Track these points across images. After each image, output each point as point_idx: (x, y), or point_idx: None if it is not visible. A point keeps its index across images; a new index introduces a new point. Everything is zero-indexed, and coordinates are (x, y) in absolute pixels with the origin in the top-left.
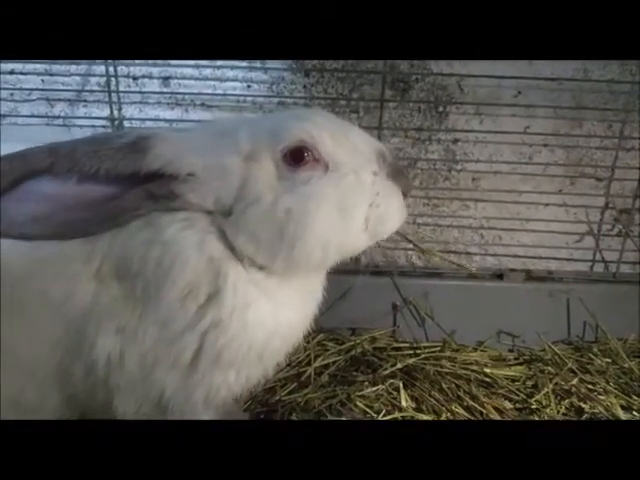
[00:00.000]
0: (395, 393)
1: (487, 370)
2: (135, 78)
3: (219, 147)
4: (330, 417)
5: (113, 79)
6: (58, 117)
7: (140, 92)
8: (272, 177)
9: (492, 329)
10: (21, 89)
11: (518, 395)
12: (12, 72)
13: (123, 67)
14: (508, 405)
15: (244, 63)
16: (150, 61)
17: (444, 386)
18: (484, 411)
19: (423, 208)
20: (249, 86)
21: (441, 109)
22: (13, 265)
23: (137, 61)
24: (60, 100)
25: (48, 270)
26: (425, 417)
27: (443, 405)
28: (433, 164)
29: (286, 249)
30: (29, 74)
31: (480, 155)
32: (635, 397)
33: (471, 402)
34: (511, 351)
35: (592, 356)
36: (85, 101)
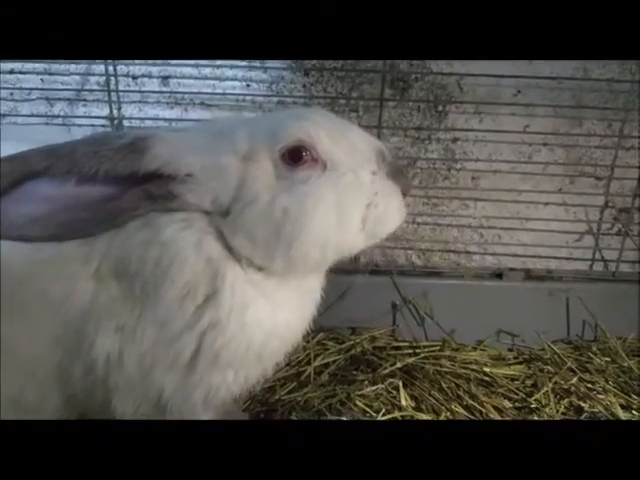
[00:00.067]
0: (395, 392)
1: (486, 369)
2: (134, 77)
3: (217, 147)
4: (330, 416)
5: (113, 78)
6: (58, 116)
7: (139, 91)
8: (270, 177)
9: (491, 328)
10: (21, 88)
11: (517, 394)
12: (12, 71)
13: (122, 66)
14: (508, 404)
15: (243, 62)
16: (149, 60)
17: (444, 385)
18: (484, 410)
19: (422, 207)
20: (248, 85)
21: (440, 108)
22: (13, 266)
23: (136, 60)
24: (60, 99)
25: (47, 271)
26: (425, 416)
27: (443, 404)
28: (432, 163)
29: (283, 249)
30: (29, 73)
31: (480, 154)
32: (634, 396)
33: (471, 401)
34: (510, 350)
35: (591, 355)
36: (85, 100)
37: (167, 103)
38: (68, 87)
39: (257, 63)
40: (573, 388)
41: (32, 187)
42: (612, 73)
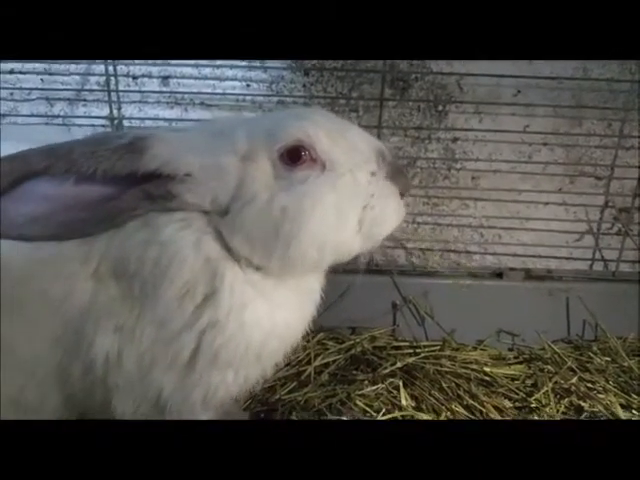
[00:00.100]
0: (395, 392)
1: (487, 369)
2: (135, 77)
3: (216, 147)
4: (330, 416)
5: (113, 78)
6: (58, 116)
7: (140, 91)
8: (269, 177)
9: (492, 328)
10: (21, 88)
11: (518, 394)
12: (12, 71)
13: (122, 66)
14: (508, 404)
15: (243, 62)
16: (149, 60)
17: (444, 385)
18: (484, 410)
19: (423, 207)
20: (248, 85)
21: (440, 108)
22: (13, 265)
23: (136, 60)
24: (60, 99)
25: (47, 270)
26: (425, 416)
27: (443, 404)
28: (432, 163)
29: (281, 248)
30: (29, 73)
31: (480, 154)
32: (634, 396)
33: (471, 401)
34: (511, 350)
35: (592, 355)
36: (85, 100)
37: (167, 103)
38: (68, 87)
39: (257, 63)
40: (573, 388)
41: (32, 186)
42: (612, 73)
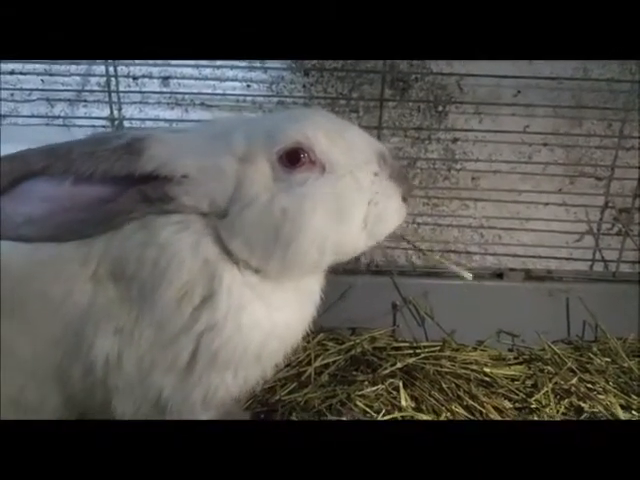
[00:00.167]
0: (395, 393)
1: (487, 370)
2: (135, 78)
3: (214, 149)
4: (330, 417)
5: (113, 79)
6: (58, 117)
7: (140, 92)
8: (268, 179)
9: (492, 328)
10: (21, 89)
11: (518, 394)
12: (12, 72)
13: (123, 67)
14: (508, 405)
15: (244, 63)
16: (150, 61)
17: (444, 386)
18: (484, 411)
19: (423, 207)
20: (249, 86)
21: (441, 108)
22: (13, 266)
23: (137, 61)
24: (60, 100)
25: (47, 271)
26: (425, 417)
27: (443, 405)
28: (433, 163)
29: (281, 250)
30: (29, 74)
31: (480, 154)
32: (634, 396)
33: (471, 402)
34: (511, 350)
35: (592, 355)
36: (85, 101)
37: (167, 104)
38: (69, 88)
39: (257, 64)
40: (573, 388)
41: (31, 187)
42: (612, 73)
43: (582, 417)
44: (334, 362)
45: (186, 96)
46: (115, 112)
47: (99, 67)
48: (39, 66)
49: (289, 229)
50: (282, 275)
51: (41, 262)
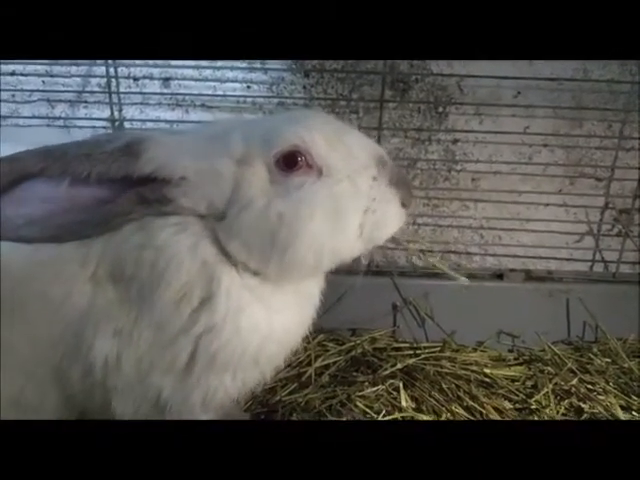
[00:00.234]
0: (395, 393)
1: (487, 370)
2: (135, 79)
3: (212, 151)
4: (330, 417)
5: (113, 80)
6: (59, 118)
7: (140, 93)
8: (265, 182)
9: (492, 329)
10: (22, 90)
11: (518, 395)
12: (13, 73)
13: (123, 68)
14: (508, 405)
15: (244, 64)
16: (150, 62)
17: (444, 386)
18: (484, 411)
19: (423, 208)
20: (249, 87)
21: (441, 109)
22: (13, 267)
23: (137, 62)
24: (61, 101)
25: (46, 272)
26: (425, 417)
27: (443, 405)
28: (433, 164)
29: (278, 254)
30: (30, 75)
31: (480, 155)
32: (634, 397)
33: (471, 402)
34: (511, 351)
35: (592, 356)
36: (86, 102)
37: (168, 105)
38: (69, 89)
39: (257, 64)
40: (573, 389)
41: (30, 188)
42: (612, 74)
43: (582, 418)
44: (334, 363)
45: (186, 97)
46: (116, 113)
47: (100, 68)
48: (40, 67)
49: (285, 234)
50: (281, 278)
51: (40, 263)
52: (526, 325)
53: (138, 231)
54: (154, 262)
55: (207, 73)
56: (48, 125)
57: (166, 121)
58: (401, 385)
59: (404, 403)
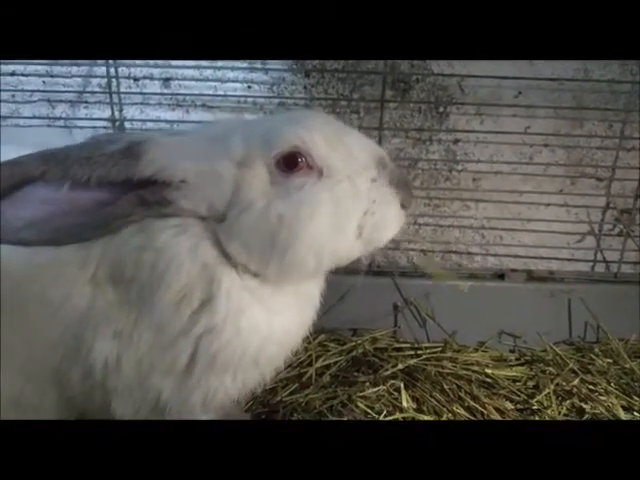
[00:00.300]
0: (396, 394)
1: (488, 371)
2: (136, 79)
3: (212, 153)
4: (331, 418)
5: (114, 80)
6: (59, 118)
7: (141, 93)
8: (265, 183)
9: (493, 329)
10: (22, 90)
11: (519, 396)
12: (13, 74)
13: (124, 68)
14: (509, 406)
15: (245, 64)
16: (151, 62)
17: (445, 387)
18: (485, 412)
19: (424, 208)
20: (250, 87)
21: (442, 109)
22: (13, 269)
23: (138, 62)
24: (61, 101)
25: (46, 274)
26: (426, 418)
27: (444, 406)
28: (434, 164)
29: (278, 256)
30: (30, 75)
31: (481, 155)
32: (636, 397)
33: (472, 403)
34: (512, 351)
35: (593, 356)
36: (86, 102)
37: (168, 105)
38: (70, 89)
39: (258, 65)
40: (575, 389)
41: (30, 191)
42: (613, 74)
43: (584, 418)
44: (335, 363)
45: (187, 97)
46: (116, 113)
47: (100, 68)
48: (40, 67)
49: (285, 235)
50: (281, 279)
51: (40, 265)
52: (527, 325)
53: (138, 233)
54: (154, 264)
55: (208, 73)
56: (49, 125)
57: (167, 121)
58: (402, 385)
59: (405, 403)
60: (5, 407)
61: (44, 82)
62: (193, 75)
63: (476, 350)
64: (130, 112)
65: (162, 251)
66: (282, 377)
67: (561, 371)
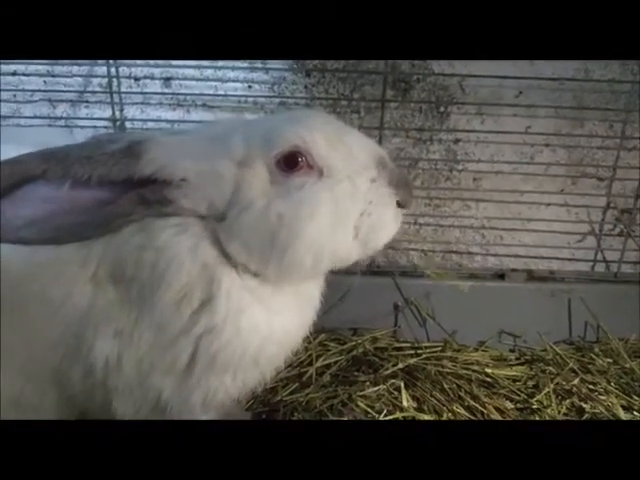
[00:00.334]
0: (396, 393)
1: (488, 370)
2: (137, 79)
3: (212, 152)
4: (331, 417)
5: (115, 80)
6: (60, 118)
7: (142, 93)
8: (265, 183)
9: (493, 329)
10: (23, 90)
11: (519, 395)
12: (14, 73)
13: (125, 68)
14: (509, 405)
15: (245, 64)
16: (151, 62)
17: (445, 386)
18: (485, 411)
19: (424, 208)
20: (250, 87)
21: (442, 109)
22: (13, 268)
23: (138, 62)
24: (62, 101)
25: (46, 273)
26: (426, 417)
27: (444, 405)
28: (434, 164)
29: (278, 256)
30: (31, 75)
31: (481, 155)
32: (636, 397)
33: (472, 402)
34: (512, 351)
35: (593, 356)
36: (87, 102)
37: (169, 105)
38: (70, 89)
39: (259, 64)
40: (575, 389)
41: (30, 190)
42: (613, 74)
43: (583, 418)
44: (336, 362)
45: (188, 97)
46: (117, 113)
47: (101, 68)
48: (41, 67)
49: (285, 235)
50: (280, 279)
51: (41, 264)
52: (528, 325)
53: (138, 232)
54: (154, 263)
55: (208, 73)
56: (50, 125)
57: (167, 121)
58: (402, 385)
59: (405, 403)
60: (5, 407)
61: (45, 82)
62: (194, 75)
63: (476, 350)
64: (131, 112)
65: (162, 250)
66: (282, 376)
67: (561, 371)
